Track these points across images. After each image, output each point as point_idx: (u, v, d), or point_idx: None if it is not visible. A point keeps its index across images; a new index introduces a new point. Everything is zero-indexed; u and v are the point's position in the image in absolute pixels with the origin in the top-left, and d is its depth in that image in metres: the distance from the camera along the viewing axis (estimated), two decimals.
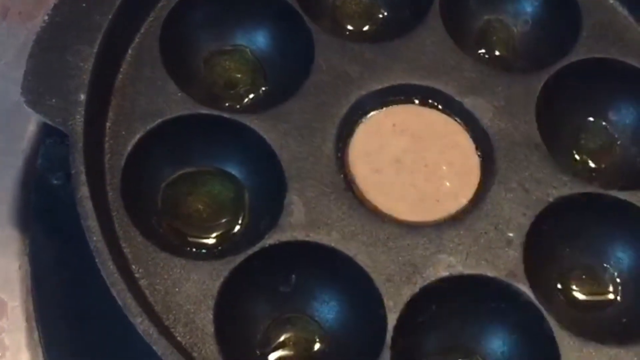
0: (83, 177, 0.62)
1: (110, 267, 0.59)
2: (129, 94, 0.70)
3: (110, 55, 0.68)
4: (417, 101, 0.75)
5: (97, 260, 0.60)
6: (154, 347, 0.58)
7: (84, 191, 0.61)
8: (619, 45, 0.78)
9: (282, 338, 0.67)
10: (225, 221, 0.70)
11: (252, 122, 0.70)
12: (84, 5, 0.68)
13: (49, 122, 0.64)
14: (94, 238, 0.60)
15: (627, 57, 0.77)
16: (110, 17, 0.68)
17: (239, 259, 0.65)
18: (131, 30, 0.72)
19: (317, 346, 0.67)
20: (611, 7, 0.80)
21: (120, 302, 0.59)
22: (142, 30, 0.72)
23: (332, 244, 0.66)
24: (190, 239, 0.69)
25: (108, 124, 0.68)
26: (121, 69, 0.70)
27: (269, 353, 0.66)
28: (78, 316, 0.70)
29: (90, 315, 0.69)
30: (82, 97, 0.64)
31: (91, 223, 0.60)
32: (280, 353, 0.66)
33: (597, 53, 0.77)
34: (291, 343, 0.67)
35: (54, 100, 0.64)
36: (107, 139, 0.68)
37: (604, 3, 0.80)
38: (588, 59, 0.77)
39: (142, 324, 0.58)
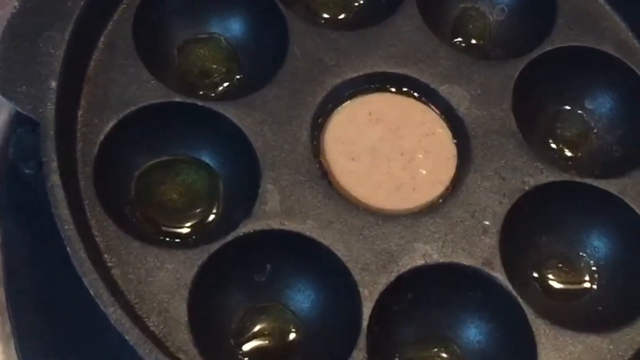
0: (54, 165, 0.61)
1: (82, 256, 0.59)
2: (101, 82, 0.69)
3: (83, 42, 0.68)
4: (393, 89, 0.74)
5: (68, 249, 0.59)
6: (127, 337, 0.57)
7: (55, 179, 0.60)
8: (595, 33, 0.78)
9: (257, 327, 0.66)
10: (199, 210, 0.69)
11: (227, 110, 0.69)
12: None
13: (20, 110, 0.63)
14: (65, 227, 0.59)
15: (604, 45, 0.77)
16: (82, 3, 0.67)
17: (213, 248, 0.64)
18: (104, 17, 0.71)
19: (292, 335, 0.66)
20: None
21: (92, 292, 0.58)
22: (114, 17, 0.71)
23: (307, 233, 0.66)
24: (164, 228, 0.68)
25: (80, 112, 0.67)
26: (93, 56, 0.70)
27: (244, 342, 0.66)
28: (51, 307, 0.69)
29: (63, 305, 0.68)
30: (54, 84, 0.64)
31: (62, 212, 0.60)
32: (255, 342, 0.66)
33: (573, 41, 0.77)
34: (266, 332, 0.66)
35: (24, 87, 0.63)
36: (79, 127, 0.67)
37: None
38: (564, 47, 0.77)
39: (114, 313, 0.57)
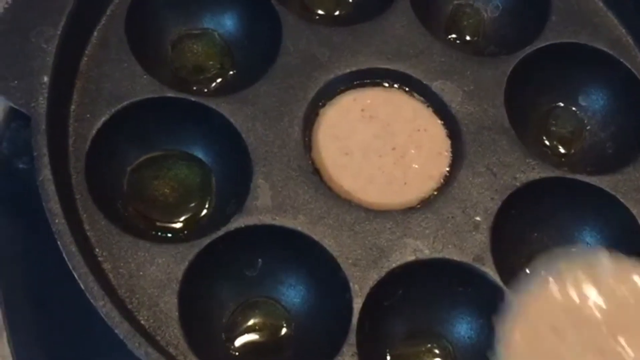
0: (45, 160, 0.61)
1: (73, 249, 0.59)
2: (94, 77, 0.69)
3: (75, 37, 0.68)
4: (385, 85, 0.74)
5: (59, 243, 0.59)
6: (116, 331, 0.57)
7: (46, 173, 0.61)
8: (589, 30, 0.78)
9: (248, 322, 0.66)
10: (192, 205, 0.69)
11: (219, 106, 0.69)
12: None
13: (12, 104, 0.64)
14: (56, 220, 0.59)
15: (597, 42, 0.77)
16: None
17: (204, 242, 0.64)
18: (97, 12, 0.71)
19: (283, 330, 0.67)
20: None
21: (82, 285, 0.58)
22: (107, 12, 0.71)
23: (299, 228, 0.66)
24: (157, 224, 0.68)
25: (72, 107, 0.67)
26: (86, 51, 0.70)
27: (235, 337, 0.66)
28: (43, 300, 0.69)
29: (55, 299, 0.69)
30: (46, 79, 0.64)
31: (53, 205, 0.60)
32: (246, 337, 0.66)
33: (567, 38, 0.77)
34: (257, 327, 0.66)
35: (16, 82, 0.64)
36: (71, 121, 0.67)
37: None
38: (557, 44, 0.77)
39: (104, 307, 0.58)
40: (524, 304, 0.55)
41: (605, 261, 0.56)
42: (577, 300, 0.55)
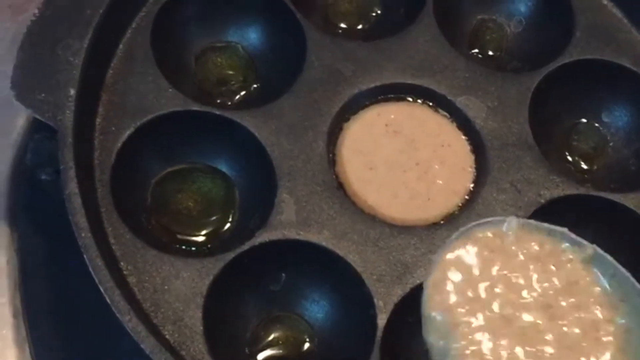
0: (72, 173, 0.61)
1: (99, 263, 0.59)
2: (119, 90, 0.69)
3: (101, 50, 0.68)
4: (409, 100, 0.75)
5: (85, 256, 0.59)
6: (142, 345, 0.57)
7: (72, 187, 0.61)
8: (613, 47, 0.78)
9: (271, 337, 0.66)
10: (215, 219, 0.70)
11: (244, 119, 0.69)
12: None
13: (39, 117, 0.64)
14: (83, 234, 0.60)
15: (621, 59, 0.77)
16: (101, 11, 0.67)
17: (229, 257, 0.64)
18: (122, 25, 0.71)
19: (306, 345, 0.67)
20: (605, 8, 0.80)
21: (108, 300, 0.58)
22: (133, 25, 0.72)
23: (323, 243, 0.66)
24: (180, 237, 0.69)
25: (98, 120, 0.68)
26: (112, 64, 0.70)
27: (258, 352, 0.66)
28: (66, 312, 0.70)
29: (78, 311, 0.69)
30: (72, 92, 0.64)
31: (79, 219, 0.60)
32: (269, 352, 0.66)
33: (591, 54, 0.77)
34: (280, 342, 0.66)
35: (43, 94, 0.64)
36: (97, 134, 0.67)
37: (597, 4, 0.80)
38: (581, 60, 0.77)
39: (130, 321, 0.58)
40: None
41: (513, 227, 0.57)
42: (479, 267, 0.56)
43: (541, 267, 0.56)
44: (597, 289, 0.56)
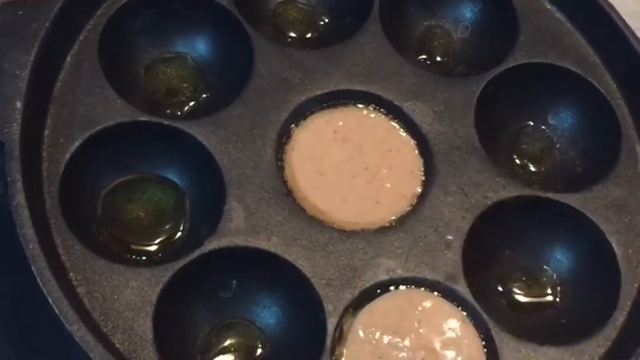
0: (19, 185, 0.61)
1: (47, 274, 0.59)
2: (67, 102, 0.69)
3: (48, 63, 0.68)
4: (357, 106, 0.75)
5: (33, 268, 0.59)
6: (91, 354, 0.58)
7: (20, 199, 0.61)
8: (557, 50, 0.79)
9: (223, 344, 0.67)
10: (166, 228, 0.70)
11: (192, 129, 0.70)
12: (20, 12, 0.68)
13: None
14: (30, 246, 0.60)
15: (565, 62, 0.78)
16: (47, 24, 0.68)
17: (178, 265, 0.65)
18: (69, 38, 0.71)
19: (259, 351, 0.67)
20: (548, 13, 0.81)
21: (56, 310, 0.59)
22: (80, 38, 0.72)
23: (272, 249, 0.66)
24: (131, 247, 0.69)
25: (46, 132, 0.68)
26: (60, 77, 0.70)
27: (210, 359, 0.66)
28: (16, 324, 0.69)
29: (29, 322, 0.69)
30: (19, 104, 0.64)
31: (27, 231, 0.60)
32: (221, 359, 0.66)
33: (535, 58, 0.78)
34: (233, 349, 0.67)
35: None
36: (45, 146, 0.67)
37: (542, 8, 0.81)
38: (526, 64, 0.78)
39: (78, 331, 0.58)
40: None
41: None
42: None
43: None
44: None
